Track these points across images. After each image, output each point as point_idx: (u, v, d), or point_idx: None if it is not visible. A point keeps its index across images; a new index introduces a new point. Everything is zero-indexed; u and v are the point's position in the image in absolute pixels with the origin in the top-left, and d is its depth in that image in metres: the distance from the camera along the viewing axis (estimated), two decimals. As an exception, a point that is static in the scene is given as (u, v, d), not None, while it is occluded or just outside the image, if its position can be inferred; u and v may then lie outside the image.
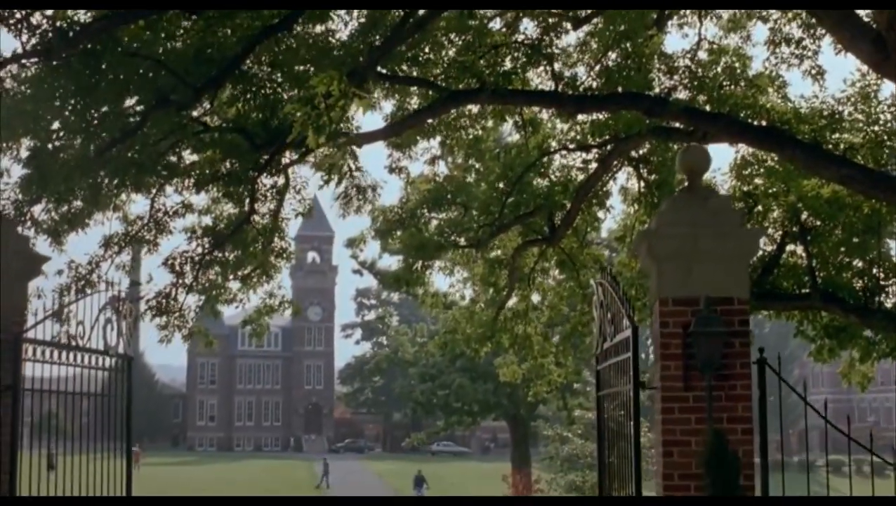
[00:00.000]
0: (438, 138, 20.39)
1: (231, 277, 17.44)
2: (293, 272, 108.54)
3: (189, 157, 15.13)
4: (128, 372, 11.45)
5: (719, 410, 7.99)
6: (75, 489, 9.98)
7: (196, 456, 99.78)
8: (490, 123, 20.17)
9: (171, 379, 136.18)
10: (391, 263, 66.42)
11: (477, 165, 20.90)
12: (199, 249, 15.65)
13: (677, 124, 17.60)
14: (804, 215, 17.89)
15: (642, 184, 20.56)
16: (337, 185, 8.66)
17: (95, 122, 11.12)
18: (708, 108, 16.12)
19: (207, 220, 16.59)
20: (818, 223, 18.22)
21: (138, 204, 16.37)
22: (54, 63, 10.19)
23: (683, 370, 8.12)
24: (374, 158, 23.03)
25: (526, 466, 52.29)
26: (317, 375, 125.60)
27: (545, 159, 19.84)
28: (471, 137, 20.19)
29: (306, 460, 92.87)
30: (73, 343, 10.09)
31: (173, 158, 13.55)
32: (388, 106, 18.23)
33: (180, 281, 15.81)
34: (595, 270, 22.05)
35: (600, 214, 20.47)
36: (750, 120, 15.98)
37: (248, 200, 15.26)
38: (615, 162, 19.47)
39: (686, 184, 8.73)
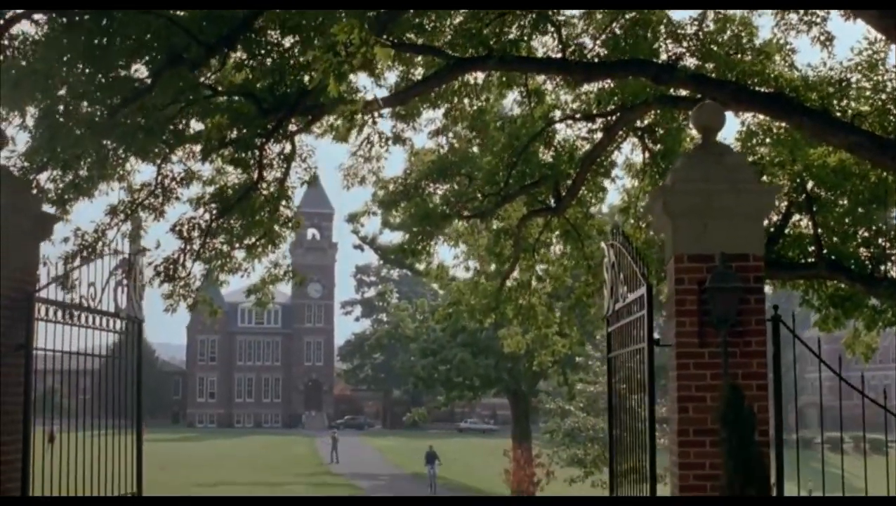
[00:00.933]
0: (442, 109, 20.39)
1: (237, 245, 17.42)
2: (293, 249, 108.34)
3: (196, 125, 15.12)
4: (138, 335, 11.46)
5: (734, 366, 7.99)
6: (86, 461, 9.98)
7: (196, 432, 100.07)
8: (493, 95, 20.15)
9: (170, 357, 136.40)
10: (392, 238, 66.61)
11: (480, 137, 20.84)
12: (207, 216, 15.61)
13: (683, 93, 17.58)
14: (810, 185, 17.88)
15: (647, 155, 20.55)
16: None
17: (105, 82, 11.06)
18: (715, 76, 16.08)
19: (214, 189, 16.53)
20: (824, 193, 18.22)
21: (143, 173, 16.38)
22: (65, 21, 10.13)
23: (698, 326, 8.12)
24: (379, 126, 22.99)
25: (527, 441, 52.41)
26: (317, 351, 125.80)
27: (550, 129, 19.82)
28: (475, 108, 20.18)
29: (307, 436, 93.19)
30: (85, 304, 10.07)
31: (181, 125, 13.48)
32: (392, 77, 18.23)
33: (188, 247, 15.79)
34: (600, 240, 22.07)
35: (606, 184, 20.42)
36: (757, 88, 15.94)
37: (255, 167, 15.22)
38: (620, 132, 19.45)
39: (700, 141, 8.70)
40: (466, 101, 19.86)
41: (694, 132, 19.53)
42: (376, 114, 10.35)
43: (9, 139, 10.44)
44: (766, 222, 16.37)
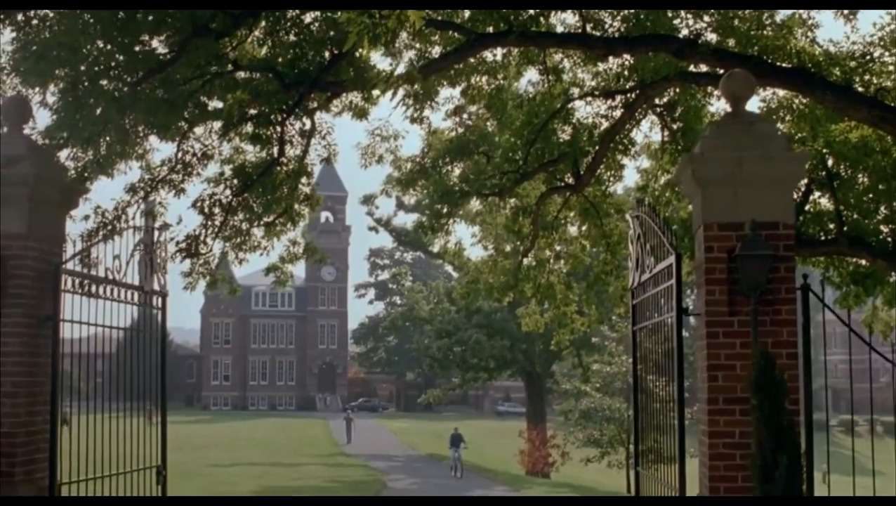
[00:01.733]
0: (460, 88, 20.35)
1: (257, 223, 17.44)
2: (307, 232, 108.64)
3: (217, 103, 15.11)
4: (163, 308, 11.48)
5: (764, 334, 7.96)
6: (111, 435, 10.02)
7: (211, 415, 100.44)
8: (511, 73, 20.11)
9: (183, 341, 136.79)
10: (406, 220, 66.56)
11: (498, 116, 20.78)
12: (228, 192, 15.62)
13: (704, 69, 17.50)
14: (831, 161, 17.80)
15: (666, 133, 20.48)
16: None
17: (129, 56, 11.05)
18: (737, 51, 15.99)
19: (235, 166, 16.54)
20: (845, 169, 18.15)
21: (162, 152, 16.38)
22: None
23: (728, 295, 8.09)
24: (395, 108, 22.99)
25: (541, 422, 52.52)
26: (330, 334, 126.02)
27: (569, 107, 19.76)
28: (492, 87, 20.14)
29: (321, 418, 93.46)
30: (111, 277, 10.08)
31: (203, 100, 13.47)
32: (408, 55, 18.19)
33: (209, 224, 15.81)
34: (618, 219, 22.03)
35: (625, 161, 20.37)
36: (779, 63, 15.85)
37: (276, 143, 15.22)
38: (639, 110, 19.38)
39: (730, 109, 8.65)
40: (484, 79, 19.83)
41: (714, 109, 19.52)
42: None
43: (32, 112, 10.42)
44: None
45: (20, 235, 9.05)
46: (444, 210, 20.14)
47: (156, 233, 11.22)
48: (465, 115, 22.03)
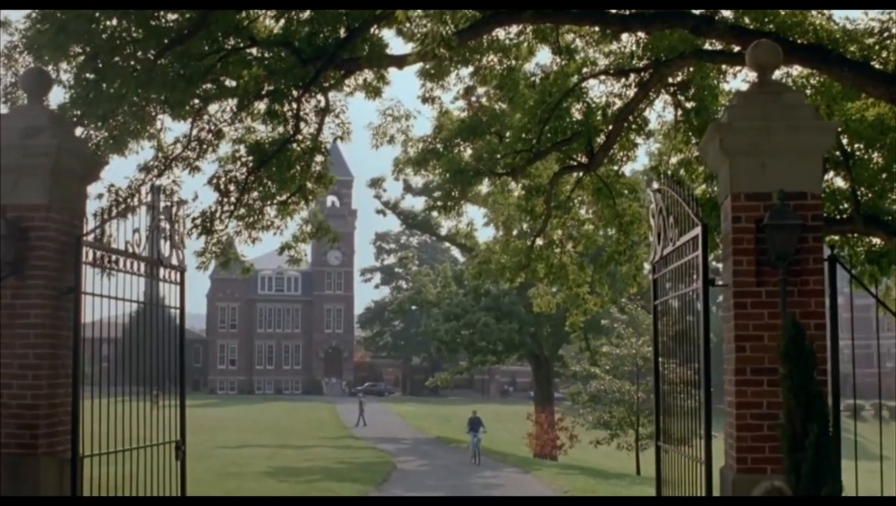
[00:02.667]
0: (471, 68, 20.28)
1: (270, 202, 17.41)
2: (311, 216, 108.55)
3: (232, 83, 15.05)
4: (181, 282, 11.45)
5: (792, 305, 7.91)
6: (130, 412, 10.02)
7: (218, 399, 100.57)
8: (524, 52, 20.03)
9: (189, 326, 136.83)
10: (414, 203, 66.42)
11: (510, 96, 20.70)
12: (244, 170, 15.57)
13: (720, 46, 17.41)
14: (846, 140, 17.73)
15: (679, 112, 20.41)
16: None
17: (148, 29, 10.99)
18: (753, 28, 15.89)
19: (251, 143, 16.50)
20: (860, 148, 18.08)
21: (174, 131, 16.34)
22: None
23: (755, 265, 8.04)
24: (406, 89, 22.96)
25: (549, 405, 52.53)
26: (336, 319, 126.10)
27: (583, 85, 19.69)
28: (503, 67, 20.06)
29: (327, 402, 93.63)
30: (130, 251, 10.04)
31: (220, 75, 13.41)
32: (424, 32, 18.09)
33: (225, 200, 15.78)
34: (631, 199, 21.99)
35: (639, 140, 20.29)
36: (796, 40, 15.75)
37: (292, 120, 15.17)
38: (653, 89, 19.30)
39: (756, 79, 8.59)
40: (496, 57, 19.75)
41: (729, 87, 19.45)
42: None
43: (53, 82, 10.38)
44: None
45: (42, 206, 9.01)
46: (457, 190, 20.06)
47: (173, 208, 11.16)
48: (475, 97, 22.01)
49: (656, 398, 10.81)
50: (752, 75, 8.86)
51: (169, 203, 11.07)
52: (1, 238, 8.74)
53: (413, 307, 72.04)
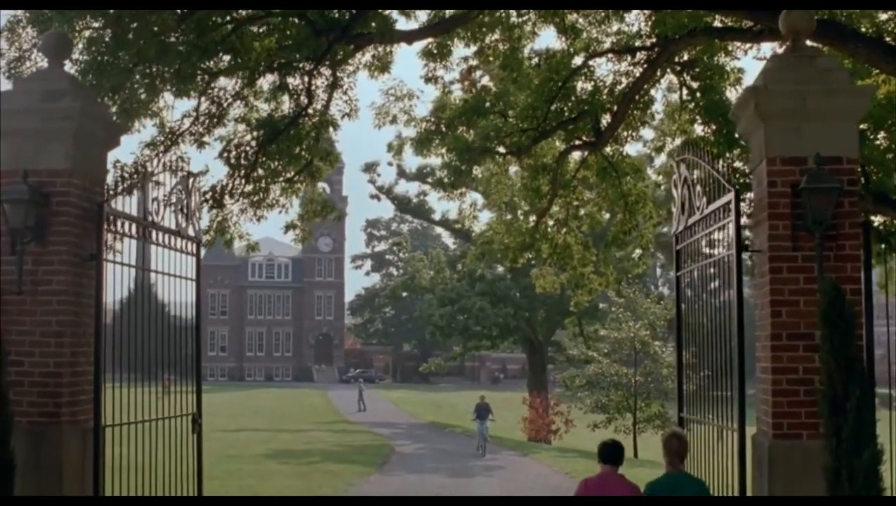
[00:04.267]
0: (474, 48, 20.16)
1: (278, 179, 17.29)
2: (303, 203, 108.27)
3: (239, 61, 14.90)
4: (197, 255, 11.36)
5: (828, 270, 7.84)
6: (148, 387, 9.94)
7: (209, 385, 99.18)
8: (528, 31, 19.92)
9: (179, 313, 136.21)
10: (408, 188, 66.28)
11: (515, 75, 20.59)
12: (254, 143, 15.43)
13: (729, 23, 17.32)
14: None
15: (685, 92, 20.32)
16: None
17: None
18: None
19: (257, 119, 16.37)
20: (869, 126, 18.00)
21: (178, 109, 16.17)
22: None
23: (791, 230, 7.97)
24: (408, 69, 22.86)
25: (543, 390, 52.55)
26: (327, 305, 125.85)
27: (590, 64, 19.59)
28: (506, 47, 19.95)
29: (318, 389, 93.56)
30: (150, 219, 9.93)
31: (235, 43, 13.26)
32: (422, 15, 17.97)
33: (236, 174, 15.64)
34: (636, 179, 21.92)
35: (646, 118, 20.20)
36: (812, 15, 15.65)
37: (304, 94, 15.05)
38: (659, 69, 19.21)
39: (790, 44, 8.51)
40: (500, 36, 19.65)
41: (734, 64, 19.36)
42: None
43: (73, 46, 10.24)
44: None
45: (63, 171, 8.88)
46: (464, 168, 19.94)
47: (189, 179, 11.04)
48: (477, 75, 21.91)
49: (679, 370, 10.74)
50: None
51: (185, 173, 10.94)
52: (23, 203, 8.61)
53: (404, 294, 71.89)
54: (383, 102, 22.83)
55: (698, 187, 9.43)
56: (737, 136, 15.05)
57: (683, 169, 10.04)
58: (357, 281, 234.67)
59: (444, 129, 21.81)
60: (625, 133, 20.94)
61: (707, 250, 9.46)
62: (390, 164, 59.16)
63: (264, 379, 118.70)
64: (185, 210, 10.81)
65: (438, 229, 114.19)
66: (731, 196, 8.31)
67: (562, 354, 55.91)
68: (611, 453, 8.16)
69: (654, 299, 44.24)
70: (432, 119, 22.26)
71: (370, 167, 54.79)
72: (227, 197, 15.78)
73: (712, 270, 9.26)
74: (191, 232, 11.01)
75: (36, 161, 8.87)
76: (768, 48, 18.56)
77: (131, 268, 9.88)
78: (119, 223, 9.37)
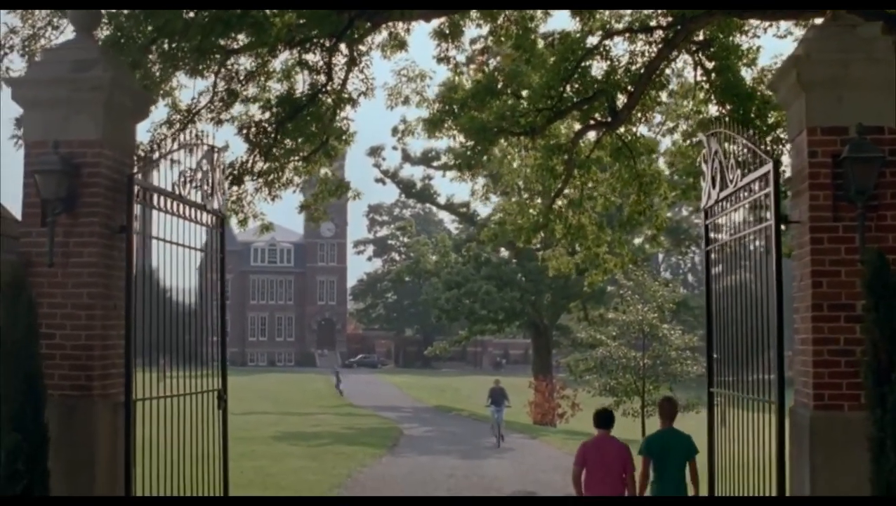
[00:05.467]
0: (486, 29, 20.06)
1: (294, 157, 17.21)
2: (305, 188, 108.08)
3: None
4: (221, 229, 11.32)
5: (870, 240, 7.77)
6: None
7: (211, 370, 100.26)
8: (540, 11, 19.81)
9: (181, 299, 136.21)
10: (413, 172, 66.15)
11: (528, 55, 20.48)
12: (273, 120, 15.33)
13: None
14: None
15: (699, 72, 20.20)
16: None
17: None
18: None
19: (276, 96, 16.27)
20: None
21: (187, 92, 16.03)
22: None
23: (832, 200, 7.91)
24: (420, 49, 22.75)
25: (548, 374, 52.54)
26: (329, 291, 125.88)
27: (606, 43, 19.47)
28: (520, 27, 19.84)
29: (321, 374, 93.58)
30: (178, 193, 9.85)
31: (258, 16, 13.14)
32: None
33: (256, 151, 15.56)
34: (651, 160, 21.84)
35: (662, 97, 20.11)
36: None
37: (323, 69, 14.96)
38: (674, 49, 19.10)
39: (830, 14, 8.43)
40: (512, 16, 19.55)
41: (753, 42, 19.24)
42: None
43: (102, 16, 10.15)
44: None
45: (95, 141, 8.80)
46: (480, 147, 19.84)
47: (214, 153, 10.97)
48: (485, 56, 21.81)
49: (708, 346, 10.68)
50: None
51: (209, 147, 10.87)
52: (55, 174, 8.53)
53: (407, 279, 71.78)
54: (395, 83, 22.76)
55: (732, 159, 9.35)
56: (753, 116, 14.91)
57: (714, 143, 9.96)
58: (359, 266, 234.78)
59: (455, 110, 21.73)
60: (640, 113, 20.87)
61: (737, 223, 9.38)
62: (395, 147, 58.95)
63: (266, 364, 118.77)
64: (209, 184, 10.74)
65: (440, 215, 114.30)
66: (769, 166, 8.23)
67: (567, 337, 55.90)
68: (604, 420, 10.04)
69: (662, 282, 44.19)
70: (443, 100, 22.18)
71: (375, 151, 54.73)
72: (245, 176, 15.70)
73: (753, 242, 9.16)
74: (216, 206, 10.96)
75: (66, 132, 8.79)
76: (785, 27, 18.45)
77: (158, 242, 9.78)
78: (147, 196, 9.28)
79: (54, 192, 8.56)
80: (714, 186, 10.03)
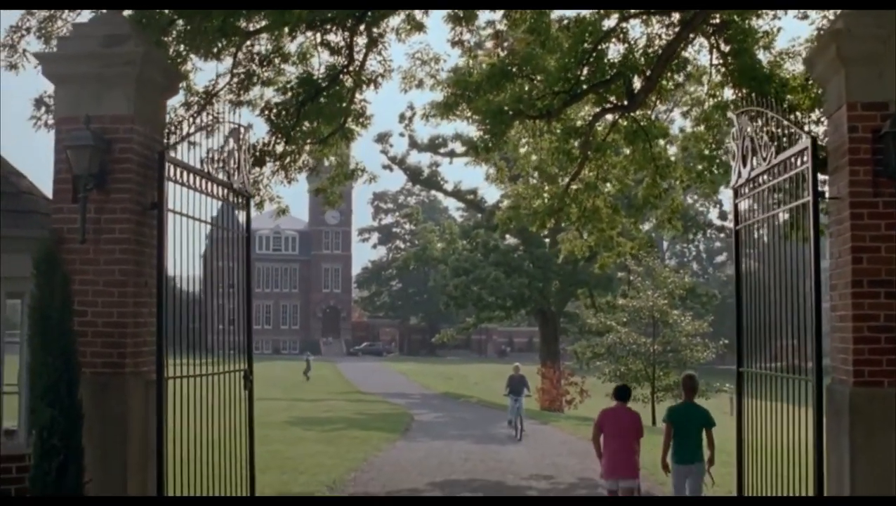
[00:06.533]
0: (500, 12, 19.97)
1: (312, 139, 17.18)
2: (310, 176, 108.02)
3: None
4: (247, 208, 11.30)
5: (910, 216, 7.73)
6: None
7: (217, 358, 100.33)
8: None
9: (186, 288, 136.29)
10: (420, 159, 66.03)
11: (542, 39, 20.39)
12: (294, 101, 15.29)
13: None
14: None
15: (715, 55, 20.11)
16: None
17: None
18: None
19: (297, 77, 16.24)
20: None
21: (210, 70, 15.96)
22: None
23: (872, 176, 7.85)
24: (434, 33, 22.67)
25: (556, 360, 52.52)
26: (334, 278, 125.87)
27: (623, 25, 19.39)
28: (533, 12, 19.75)
29: (327, 361, 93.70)
30: (206, 170, 9.81)
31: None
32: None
33: (277, 133, 15.52)
34: (665, 143, 21.78)
35: (680, 79, 20.02)
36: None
37: (345, 50, 14.92)
38: (691, 32, 19.02)
39: (868, -10, 8.35)
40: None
41: (772, 24, 19.14)
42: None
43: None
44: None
45: (126, 117, 8.76)
46: (497, 130, 19.78)
47: (241, 132, 10.91)
48: (499, 40, 21.73)
49: (738, 325, 10.62)
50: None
51: (235, 126, 10.81)
52: (87, 149, 8.48)
53: (412, 267, 71.63)
54: (410, 66, 22.66)
55: (765, 137, 9.29)
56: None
57: (745, 121, 9.90)
58: (364, 254, 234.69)
59: (469, 94, 21.65)
60: (655, 97, 20.81)
61: (768, 201, 9.33)
62: (402, 134, 58.69)
63: (272, 352, 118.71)
64: (236, 163, 10.70)
65: (446, 202, 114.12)
66: (807, 142, 8.18)
67: (574, 324, 55.81)
68: (622, 393, 12.03)
69: (672, 269, 44.10)
70: (457, 84, 22.10)
71: (383, 137, 54.59)
72: (266, 158, 15.67)
73: (784, 218, 9.11)
74: (242, 185, 10.93)
75: (98, 107, 8.74)
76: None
77: (188, 219, 9.72)
78: (178, 172, 9.22)
79: (86, 168, 8.51)
80: (745, 165, 9.97)
